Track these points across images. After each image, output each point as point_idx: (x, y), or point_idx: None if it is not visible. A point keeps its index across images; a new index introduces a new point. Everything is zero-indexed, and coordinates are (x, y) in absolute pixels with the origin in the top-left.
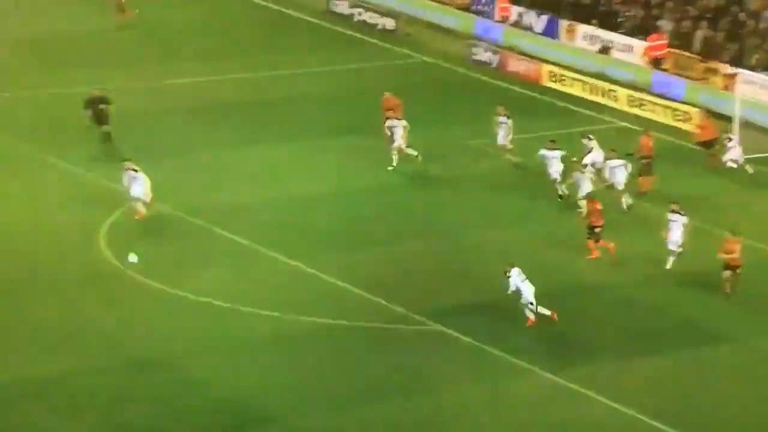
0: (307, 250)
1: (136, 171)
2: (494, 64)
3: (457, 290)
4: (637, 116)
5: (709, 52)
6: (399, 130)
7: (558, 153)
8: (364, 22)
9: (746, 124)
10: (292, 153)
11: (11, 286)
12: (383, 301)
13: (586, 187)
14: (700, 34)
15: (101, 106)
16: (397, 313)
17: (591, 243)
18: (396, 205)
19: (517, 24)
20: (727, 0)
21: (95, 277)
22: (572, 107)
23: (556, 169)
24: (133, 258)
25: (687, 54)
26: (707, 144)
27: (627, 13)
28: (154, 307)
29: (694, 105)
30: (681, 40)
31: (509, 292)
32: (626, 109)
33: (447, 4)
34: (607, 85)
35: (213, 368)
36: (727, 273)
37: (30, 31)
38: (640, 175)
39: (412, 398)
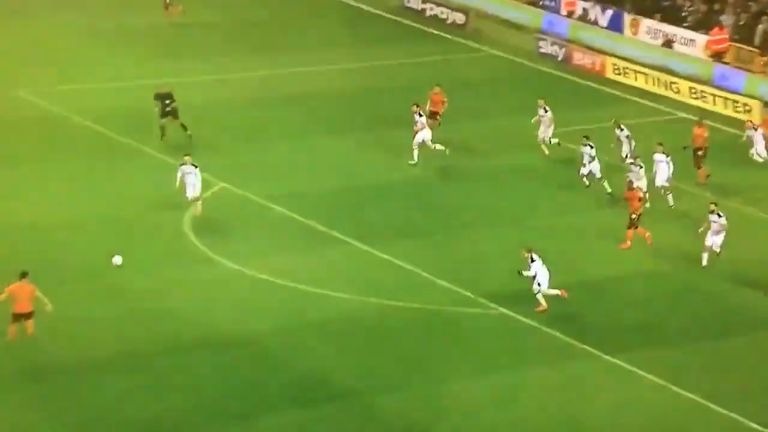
0: (378, 236)
1: (195, 167)
2: (560, 57)
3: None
4: (698, 108)
5: None
6: (419, 125)
7: (588, 149)
8: (436, 17)
9: None
10: (365, 142)
11: (105, 268)
12: (450, 285)
13: (637, 178)
14: (760, 29)
15: (167, 101)
16: (463, 297)
17: (630, 232)
18: (461, 193)
19: (582, 18)
20: None
21: (181, 259)
22: (635, 99)
23: (586, 164)
24: (117, 260)
25: (748, 48)
26: None
27: (690, 8)
28: (235, 289)
29: (753, 97)
30: (742, 34)
31: (532, 274)
32: (688, 100)
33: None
34: (669, 78)
35: (292, 346)
36: None
37: (123, 24)
38: (697, 167)
39: (479, 378)
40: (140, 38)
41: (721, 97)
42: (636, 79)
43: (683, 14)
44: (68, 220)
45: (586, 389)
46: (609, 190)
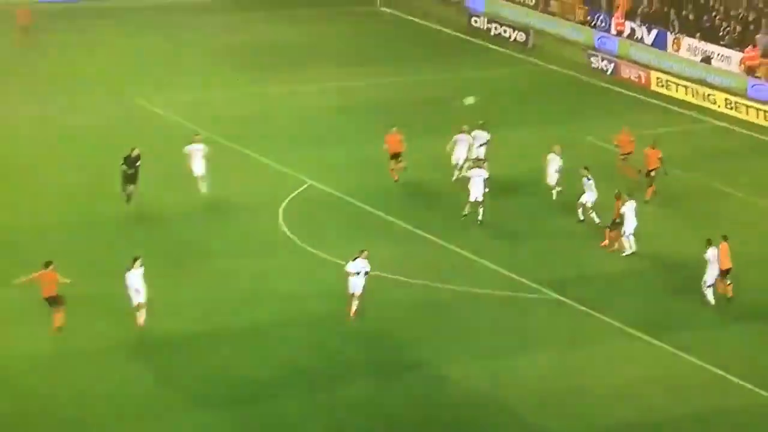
0: (445, 228)
1: (141, 267)
2: (609, 71)
3: (570, 263)
4: (732, 117)
5: None
6: (199, 153)
7: (483, 173)
8: (500, 35)
9: None
10: (435, 144)
11: (209, 252)
12: (507, 272)
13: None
14: None
15: (136, 165)
16: (521, 283)
17: (607, 232)
18: (519, 190)
19: (630, 36)
20: None
21: (274, 246)
22: (676, 108)
23: (478, 188)
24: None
25: None
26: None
27: (726, 28)
28: (323, 274)
29: None
30: None
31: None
32: (723, 110)
33: (570, 20)
34: (707, 90)
35: (374, 323)
36: None
37: (228, 43)
38: (648, 185)
39: (535, 353)
40: (243, 55)
41: (753, 107)
42: (677, 91)
43: (720, 34)
44: (183, 212)
45: (630, 365)
46: (465, 212)
